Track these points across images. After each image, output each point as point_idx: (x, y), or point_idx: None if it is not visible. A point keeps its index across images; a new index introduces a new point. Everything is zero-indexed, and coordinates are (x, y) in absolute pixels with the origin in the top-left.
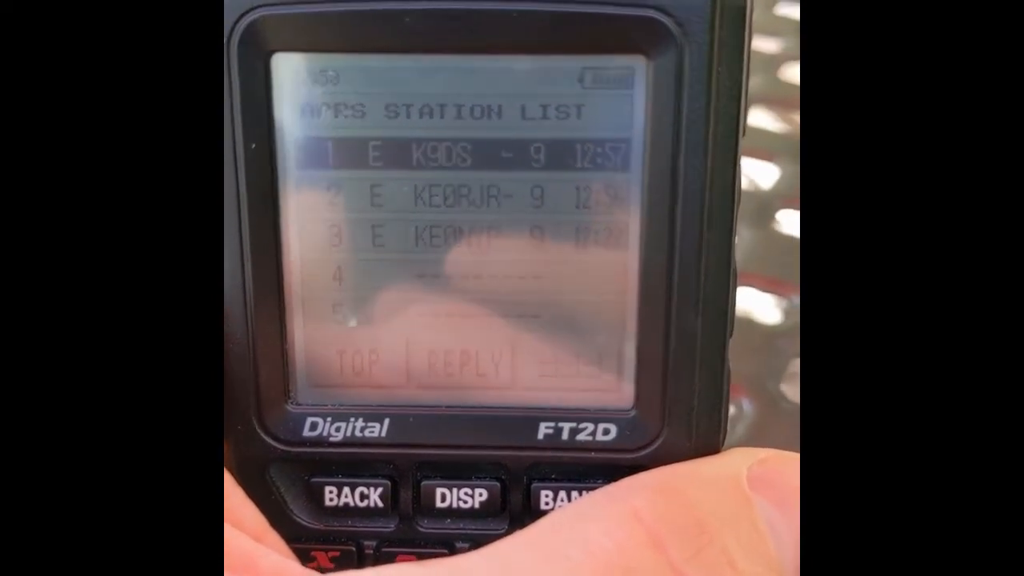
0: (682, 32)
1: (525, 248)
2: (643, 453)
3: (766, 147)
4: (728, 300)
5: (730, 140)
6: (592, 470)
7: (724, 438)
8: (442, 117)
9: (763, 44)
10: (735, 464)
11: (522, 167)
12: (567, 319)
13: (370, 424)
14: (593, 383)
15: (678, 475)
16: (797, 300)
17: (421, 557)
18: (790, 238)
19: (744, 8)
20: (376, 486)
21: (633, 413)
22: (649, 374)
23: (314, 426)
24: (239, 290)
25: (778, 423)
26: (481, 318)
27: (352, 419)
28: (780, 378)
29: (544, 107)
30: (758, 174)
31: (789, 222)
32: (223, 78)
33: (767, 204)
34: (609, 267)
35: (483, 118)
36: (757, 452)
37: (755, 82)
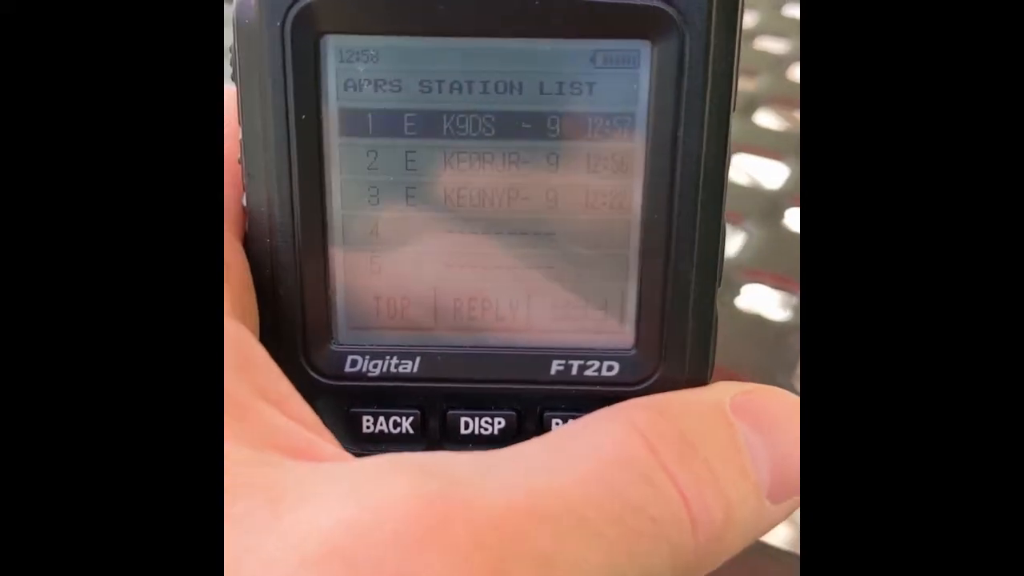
0: (683, 20)
1: (541, 208)
2: (642, 386)
3: (775, 147)
4: (719, 254)
5: (723, 113)
6: (597, 401)
7: (712, 374)
8: (470, 92)
9: (771, 45)
10: (720, 393)
11: (539, 137)
12: (577, 270)
13: (403, 361)
14: (599, 326)
15: (669, 400)
16: None
17: None
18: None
19: (737, 2)
20: (408, 415)
21: (633, 352)
22: (648, 318)
23: (354, 363)
24: (290, 245)
25: None
26: (501, 269)
27: (387, 357)
28: (791, 373)
29: (560, 84)
30: (767, 173)
31: (799, 220)
32: (278, 57)
33: (776, 203)
34: (615, 224)
35: (505, 93)
36: (743, 385)
37: (763, 82)
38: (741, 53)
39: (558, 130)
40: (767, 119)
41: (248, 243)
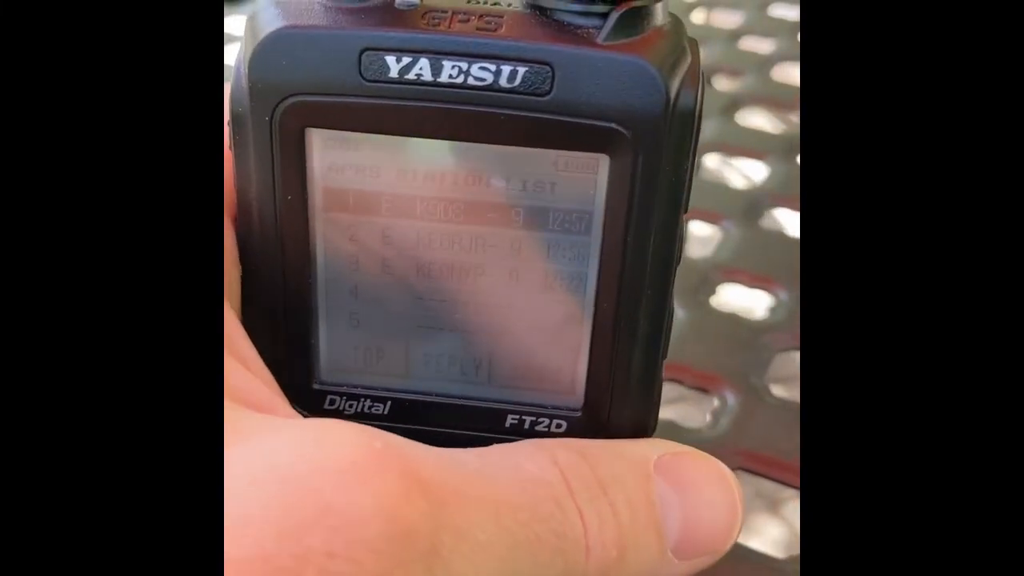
0: (637, 140)
1: (504, 285)
2: None
3: (756, 146)
4: (661, 334)
5: (672, 218)
6: None
7: (652, 435)
8: (442, 182)
9: (757, 45)
10: (647, 449)
11: (504, 226)
12: (535, 340)
13: (376, 404)
14: (551, 388)
15: (595, 445)
16: (784, 296)
17: None
18: (778, 235)
19: (692, 119)
20: None
21: (580, 413)
22: (595, 385)
23: (332, 401)
24: (280, 304)
25: (762, 416)
26: (467, 333)
27: (362, 399)
28: (765, 372)
29: (524, 182)
30: (749, 172)
31: (778, 219)
32: (266, 145)
33: (757, 202)
34: (570, 305)
35: (475, 186)
36: (676, 446)
37: (749, 82)
38: (734, 51)
39: (521, 221)
40: (750, 119)
41: (245, 289)
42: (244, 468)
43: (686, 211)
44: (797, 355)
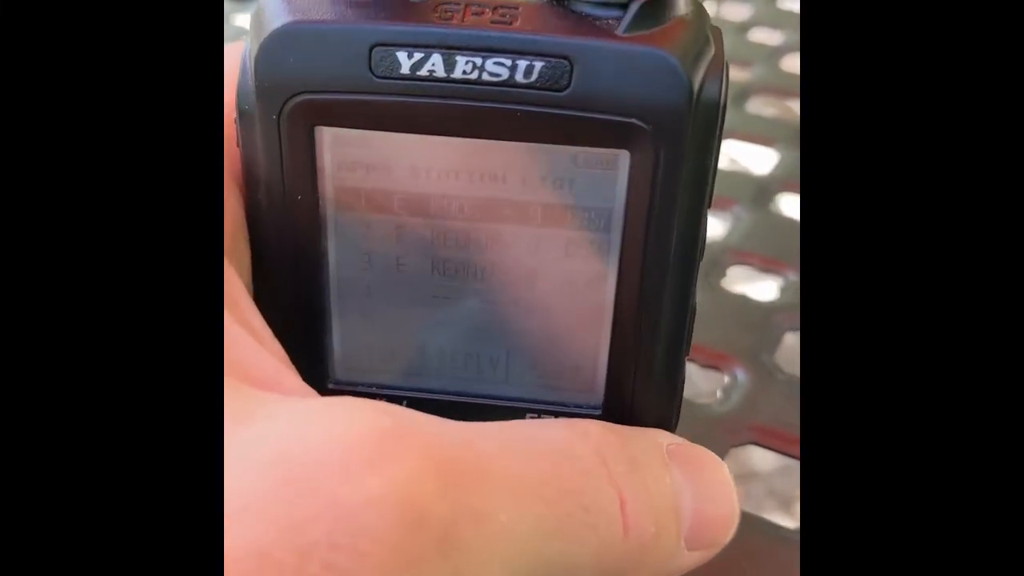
0: (658, 135)
1: (521, 284)
2: None
3: (765, 134)
4: (684, 331)
5: (695, 215)
6: None
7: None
8: (457, 179)
9: (765, 36)
10: (659, 437)
11: (522, 223)
12: (554, 338)
13: (392, 403)
14: (571, 386)
15: (619, 427)
16: (792, 278)
17: None
18: (787, 220)
19: (716, 110)
20: None
21: (600, 411)
22: (616, 384)
23: None
24: (293, 305)
25: (772, 393)
26: (484, 331)
27: (377, 399)
28: (775, 351)
29: (543, 178)
30: (758, 160)
31: (786, 205)
32: (275, 144)
33: (766, 188)
34: (589, 304)
35: (491, 182)
36: (677, 438)
37: (757, 72)
38: (744, 39)
39: (539, 218)
40: (759, 107)
41: (257, 290)
42: (244, 454)
43: (710, 205)
44: None
